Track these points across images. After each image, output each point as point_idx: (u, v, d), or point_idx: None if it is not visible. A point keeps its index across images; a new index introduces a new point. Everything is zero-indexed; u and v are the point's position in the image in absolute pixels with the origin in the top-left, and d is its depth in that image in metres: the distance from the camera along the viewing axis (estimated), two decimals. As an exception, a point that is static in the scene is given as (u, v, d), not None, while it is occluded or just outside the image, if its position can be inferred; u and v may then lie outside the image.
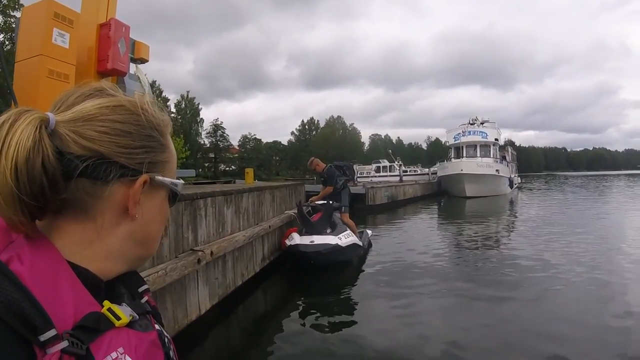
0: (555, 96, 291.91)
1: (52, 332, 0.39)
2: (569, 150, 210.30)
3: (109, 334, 0.43)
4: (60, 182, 0.44)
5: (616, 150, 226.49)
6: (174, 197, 0.55)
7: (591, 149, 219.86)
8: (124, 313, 0.46)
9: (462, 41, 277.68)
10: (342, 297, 5.16)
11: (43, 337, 0.38)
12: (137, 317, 0.49)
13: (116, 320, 0.44)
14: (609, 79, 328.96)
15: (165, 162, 0.53)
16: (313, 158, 7.79)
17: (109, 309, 0.45)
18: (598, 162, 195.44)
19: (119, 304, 0.48)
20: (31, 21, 3.96)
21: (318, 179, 7.66)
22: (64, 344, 0.39)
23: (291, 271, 6.21)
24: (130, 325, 0.46)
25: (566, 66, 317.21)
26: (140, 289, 0.57)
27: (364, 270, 6.34)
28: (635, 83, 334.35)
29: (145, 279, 2.78)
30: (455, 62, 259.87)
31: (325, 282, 5.80)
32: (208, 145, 64.86)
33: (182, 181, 0.56)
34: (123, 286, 0.54)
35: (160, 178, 0.52)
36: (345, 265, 6.31)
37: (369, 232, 8.75)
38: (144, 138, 0.49)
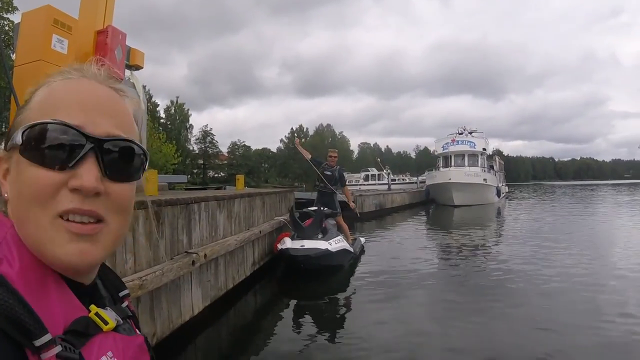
0: (545, 106, 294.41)
1: (47, 337, 0.38)
2: (556, 160, 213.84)
3: (98, 338, 0.44)
4: None
5: (603, 160, 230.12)
6: (31, 151, 0.43)
7: (579, 158, 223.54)
8: (110, 317, 0.46)
9: (455, 51, 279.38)
10: (331, 301, 5.28)
11: (38, 342, 0.38)
12: (121, 321, 0.49)
13: (104, 325, 0.45)
14: (598, 90, 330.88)
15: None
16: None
17: (97, 314, 0.45)
18: (585, 171, 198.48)
19: (103, 307, 0.48)
20: (31, 27, 3.96)
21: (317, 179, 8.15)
22: (58, 348, 0.39)
23: (282, 275, 6.33)
24: (115, 329, 0.47)
25: (556, 77, 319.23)
26: (121, 294, 0.57)
27: (354, 276, 6.47)
28: (623, 94, 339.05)
29: (142, 278, 2.88)
30: (448, 71, 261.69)
31: (315, 286, 5.92)
32: (197, 152, 64.64)
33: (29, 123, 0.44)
34: (105, 289, 0.53)
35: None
36: (336, 271, 6.44)
37: (362, 239, 8.87)
38: None
